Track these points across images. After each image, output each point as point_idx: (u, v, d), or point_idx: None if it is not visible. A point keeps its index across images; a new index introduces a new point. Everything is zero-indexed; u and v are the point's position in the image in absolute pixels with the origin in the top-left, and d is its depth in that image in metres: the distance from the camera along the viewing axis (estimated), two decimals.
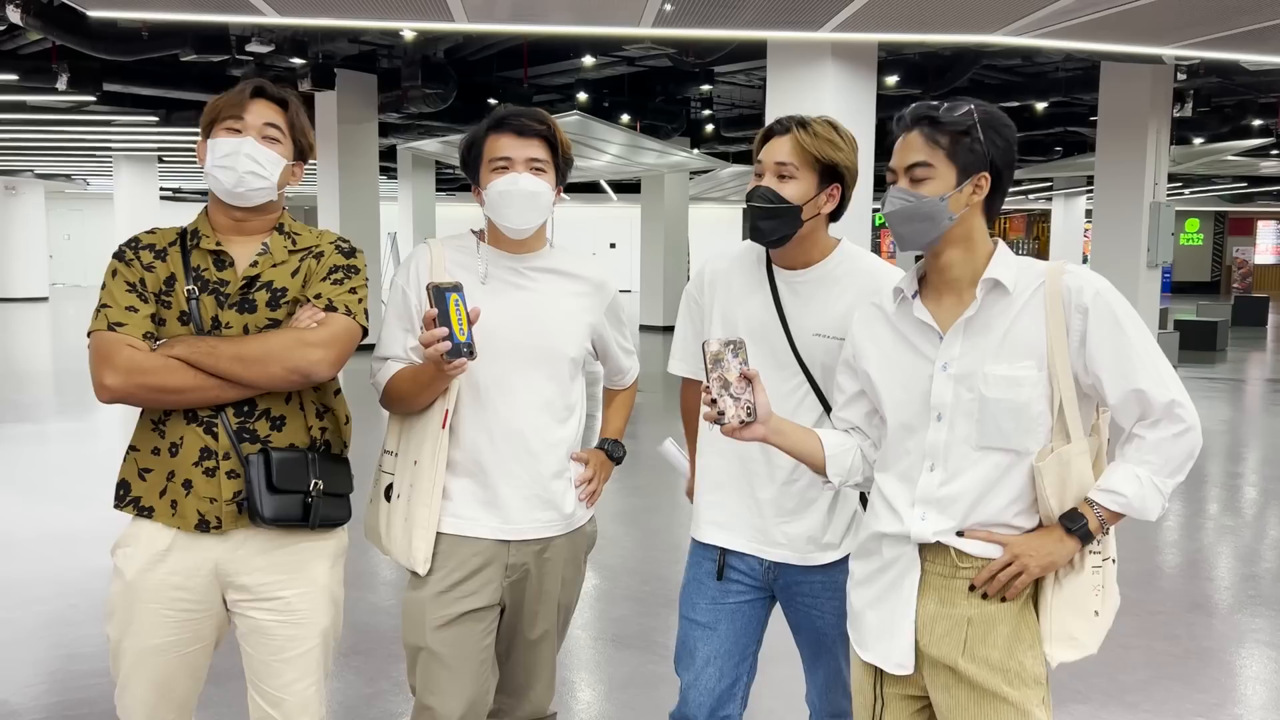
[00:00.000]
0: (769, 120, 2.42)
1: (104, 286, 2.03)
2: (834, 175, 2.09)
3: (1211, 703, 3.54)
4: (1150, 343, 1.76)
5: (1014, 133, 1.83)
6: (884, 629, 1.87)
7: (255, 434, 2.02)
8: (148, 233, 2.12)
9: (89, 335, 2.00)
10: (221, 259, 2.06)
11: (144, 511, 2.02)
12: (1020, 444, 1.76)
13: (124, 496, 2.05)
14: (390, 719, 3.36)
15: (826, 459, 1.96)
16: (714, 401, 1.83)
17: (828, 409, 2.12)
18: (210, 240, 2.06)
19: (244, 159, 2.01)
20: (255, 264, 2.06)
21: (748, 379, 1.83)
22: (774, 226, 2.07)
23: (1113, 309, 1.75)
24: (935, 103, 1.80)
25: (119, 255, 2.07)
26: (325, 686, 2.15)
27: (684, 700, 2.22)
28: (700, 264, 2.32)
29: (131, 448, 2.06)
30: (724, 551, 2.20)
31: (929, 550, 1.83)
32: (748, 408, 1.83)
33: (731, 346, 1.82)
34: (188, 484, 2.00)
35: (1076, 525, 1.75)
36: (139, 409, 2.05)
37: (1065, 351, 1.76)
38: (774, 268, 2.17)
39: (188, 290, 2.02)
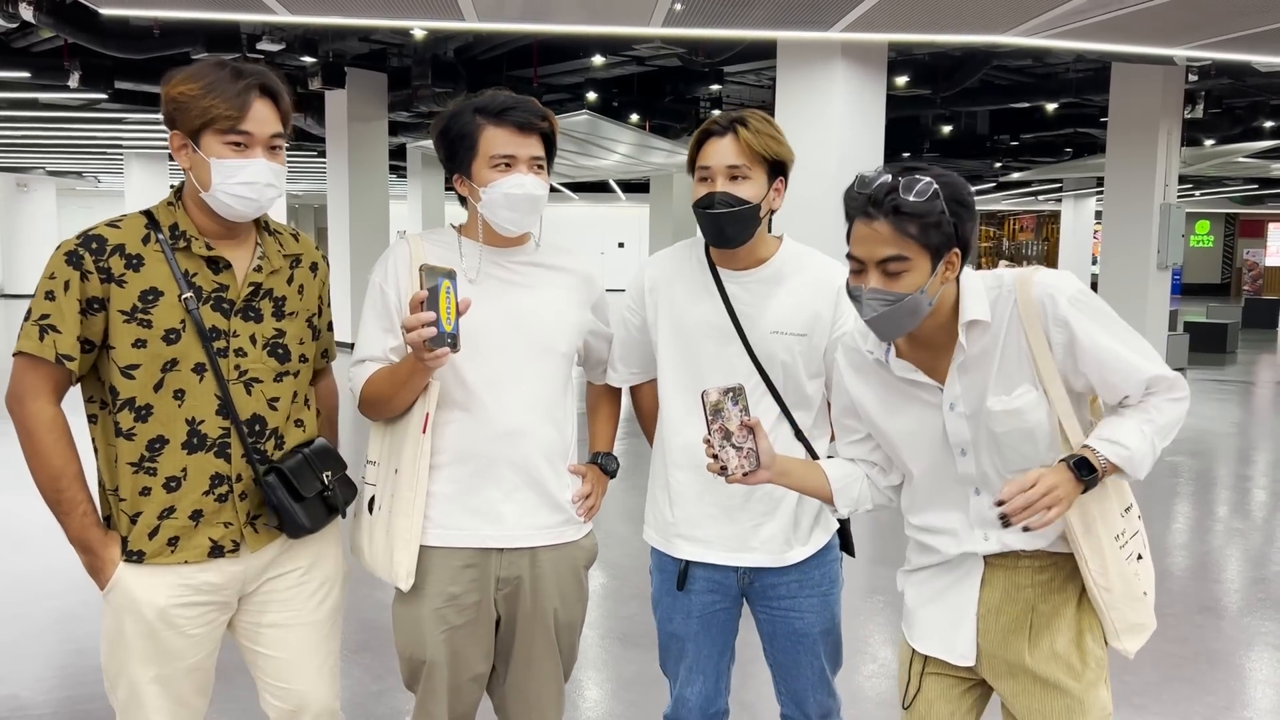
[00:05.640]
0: (779, 121, 2.40)
1: (49, 295, 1.80)
2: (779, 170, 2.08)
3: (1220, 705, 3.53)
4: (1130, 332, 1.74)
5: (972, 196, 1.71)
6: (947, 623, 1.88)
7: (265, 454, 1.94)
8: (110, 225, 1.87)
9: (17, 354, 1.83)
10: (216, 263, 1.90)
11: (132, 556, 1.87)
12: (1049, 458, 1.75)
13: (125, 546, 1.88)
14: (397, 716, 3.37)
15: (834, 492, 1.95)
16: (715, 455, 1.79)
17: (784, 408, 2.11)
18: (200, 243, 1.89)
19: (263, 188, 1.87)
20: (259, 269, 1.95)
21: (749, 427, 1.79)
22: (739, 230, 2.04)
23: (1093, 313, 1.71)
24: (888, 180, 1.66)
25: (74, 261, 1.80)
26: (338, 667, 2.15)
27: (677, 703, 2.25)
28: (636, 272, 2.25)
29: (114, 493, 1.88)
30: (688, 563, 2.17)
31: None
32: (750, 455, 1.80)
33: (731, 395, 1.78)
34: (196, 514, 1.88)
35: (1087, 475, 1.68)
36: (91, 449, 1.92)
37: (1050, 364, 1.73)
38: (719, 270, 2.14)
39: (185, 299, 1.85)
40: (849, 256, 1.72)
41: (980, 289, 1.76)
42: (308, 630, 2.05)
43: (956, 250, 1.69)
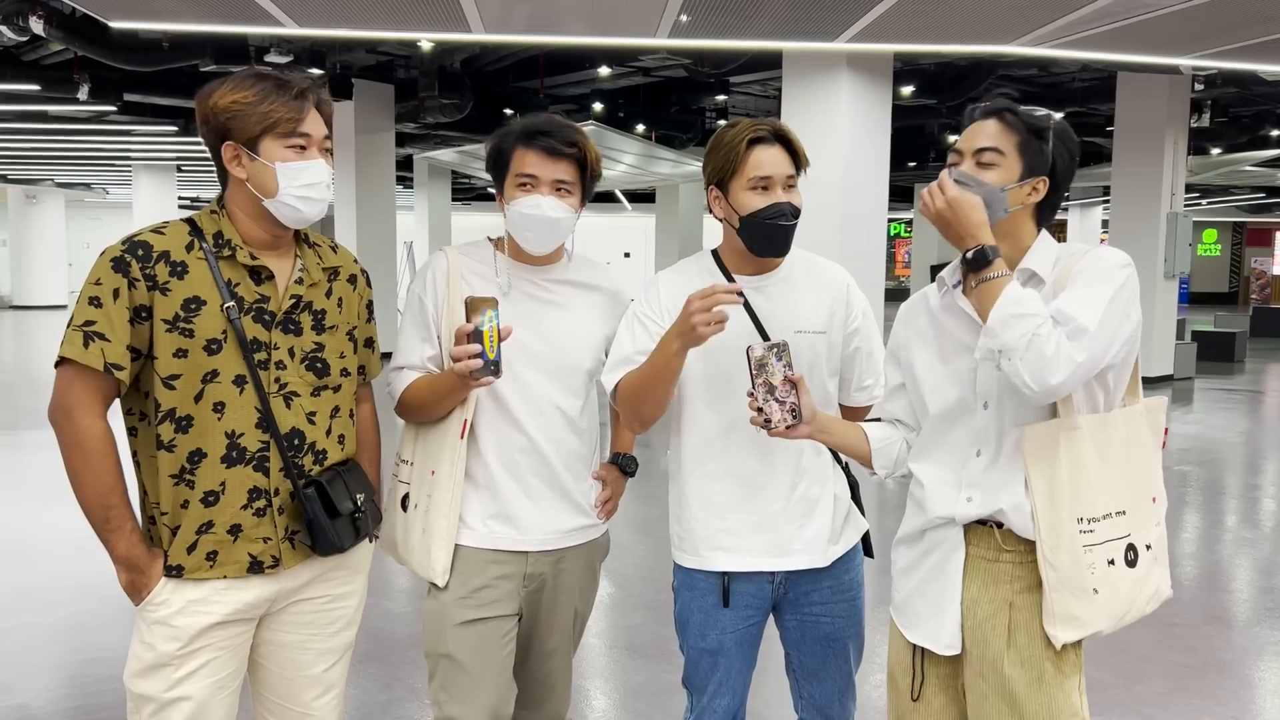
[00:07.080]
0: None
1: (94, 301, 1.77)
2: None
3: (1229, 715, 3.51)
4: (1106, 295, 1.69)
5: (1079, 150, 1.85)
6: (932, 610, 1.89)
7: (302, 469, 1.93)
8: (154, 232, 1.86)
9: (60, 362, 1.81)
10: (259, 273, 1.89)
11: (171, 571, 1.84)
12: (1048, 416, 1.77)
13: (165, 563, 1.86)
14: None
15: (873, 451, 2.01)
16: (760, 409, 1.85)
17: None
18: (244, 253, 1.88)
19: (324, 189, 1.88)
20: (300, 282, 1.94)
21: (792, 382, 1.86)
22: (791, 240, 2.10)
23: (1103, 274, 1.71)
24: (1016, 101, 1.83)
25: (121, 268, 1.78)
26: (343, 698, 2.13)
27: (701, 715, 2.21)
28: (649, 284, 2.23)
29: (156, 506, 1.86)
30: (727, 575, 2.15)
31: (973, 533, 1.85)
32: (793, 410, 1.86)
33: (775, 350, 1.85)
34: (235, 529, 1.86)
35: (986, 251, 1.72)
36: (130, 466, 1.89)
37: None
38: (734, 277, 2.15)
39: (227, 309, 1.84)
40: (953, 150, 1.86)
41: (1051, 250, 1.83)
42: (320, 656, 2.05)
43: (1046, 180, 1.80)
